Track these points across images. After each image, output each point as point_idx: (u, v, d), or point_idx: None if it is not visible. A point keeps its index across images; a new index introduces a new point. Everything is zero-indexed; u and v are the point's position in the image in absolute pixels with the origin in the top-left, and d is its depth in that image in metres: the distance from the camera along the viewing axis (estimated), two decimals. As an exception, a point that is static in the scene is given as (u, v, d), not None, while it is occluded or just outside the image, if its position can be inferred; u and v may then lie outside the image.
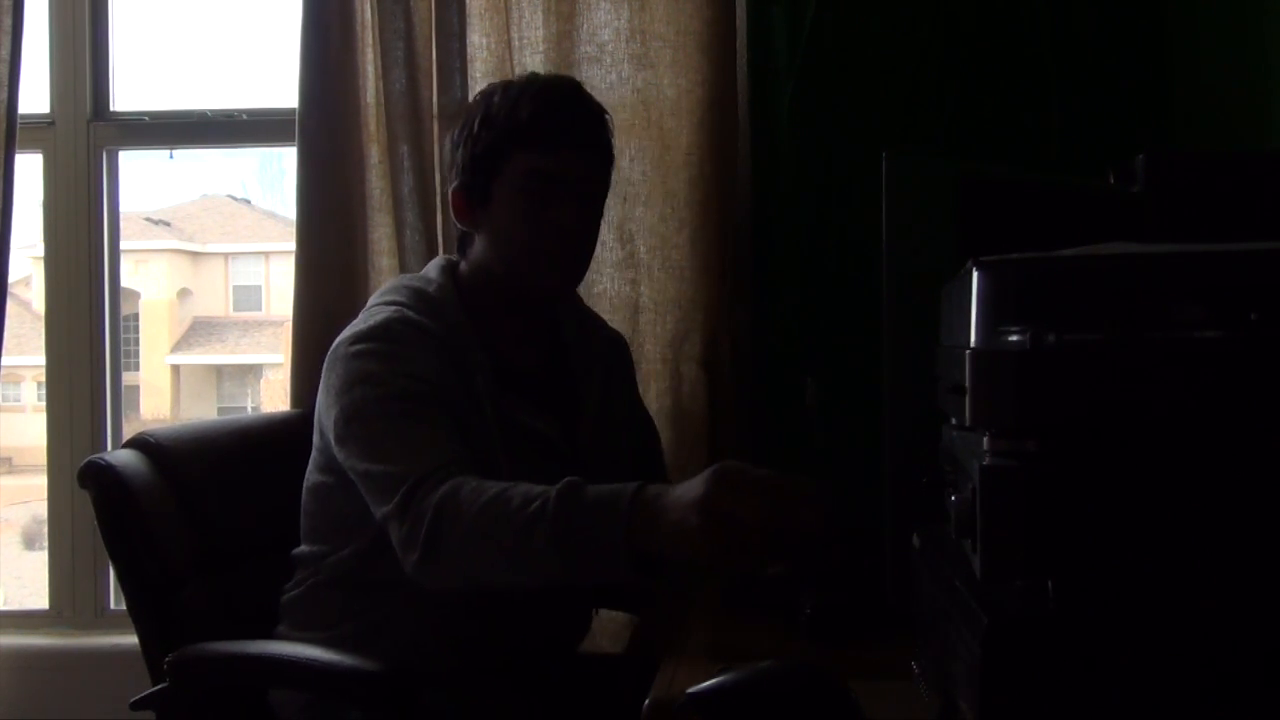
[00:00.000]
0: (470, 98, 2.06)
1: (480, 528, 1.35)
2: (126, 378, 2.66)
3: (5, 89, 2.28)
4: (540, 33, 2.17)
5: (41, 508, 2.57)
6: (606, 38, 2.17)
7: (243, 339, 9.14)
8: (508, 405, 1.60)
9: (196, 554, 1.71)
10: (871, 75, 2.16)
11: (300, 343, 2.18)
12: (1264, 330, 0.78)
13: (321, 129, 2.20)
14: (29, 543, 6.02)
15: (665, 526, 1.24)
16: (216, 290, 9.37)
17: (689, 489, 1.23)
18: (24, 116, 2.34)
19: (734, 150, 2.17)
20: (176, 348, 8.96)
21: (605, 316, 2.12)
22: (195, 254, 9.31)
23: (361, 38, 2.23)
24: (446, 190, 1.84)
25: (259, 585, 1.72)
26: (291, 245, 2.22)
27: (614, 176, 2.16)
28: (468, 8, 2.19)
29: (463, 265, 1.71)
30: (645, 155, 2.17)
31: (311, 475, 1.68)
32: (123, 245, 2.58)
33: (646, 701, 1.20)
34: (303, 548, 1.69)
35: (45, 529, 2.52)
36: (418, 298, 1.63)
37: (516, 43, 2.18)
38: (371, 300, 1.70)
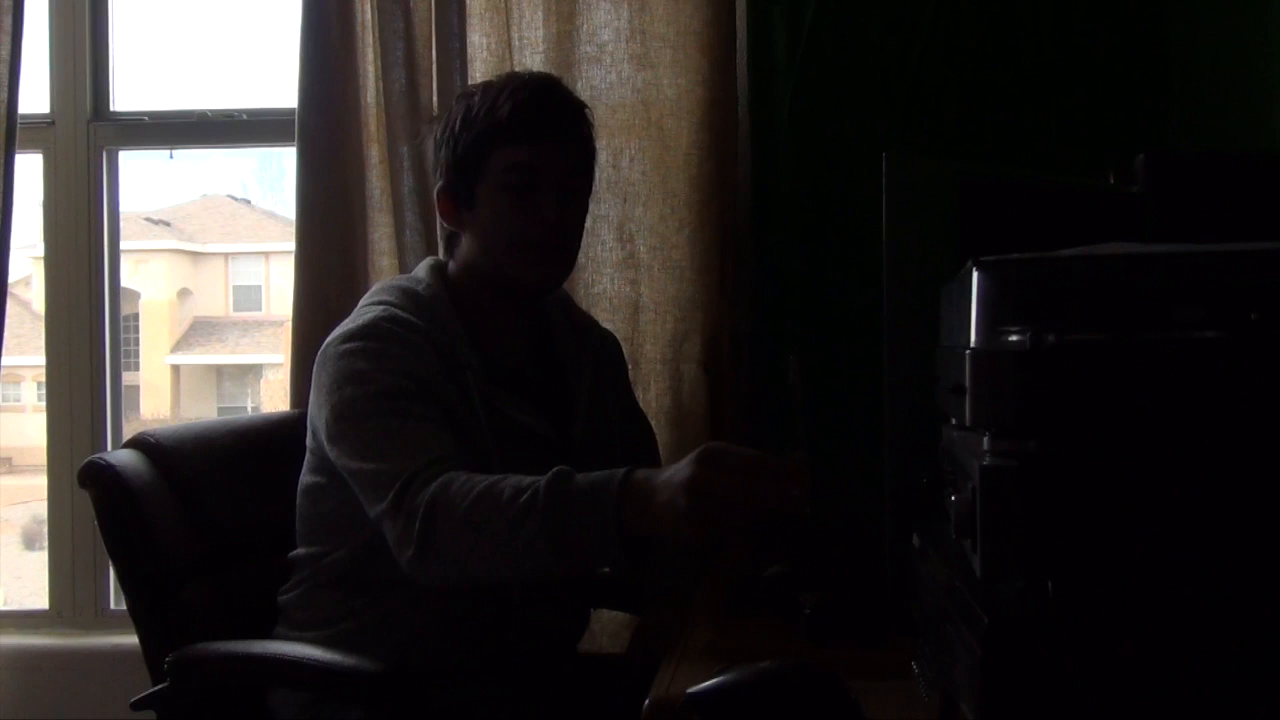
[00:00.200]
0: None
1: (472, 521, 1.36)
2: (126, 378, 2.66)
3: (5, 89, 2.28)
4: (540, 33, 2.18)
5: (41, 508, 2.57)
6: (606, 38, 2.17)
7: (243, 339, 9.13)
8: (498, 401, 1.61)
9: (196, 554, 1.71)
10: (871, 75, 2.16)
11: (300, 343, 2.18)
12: (1264, 330, 0.78)
13: (321, 129, 2.20)
14: (29, 543, 6.01)
15: (655, 509, 1.26)
16: (216, 290, 9.36)
17: (677, 471, 1.25)
18: (24, 116, 2.34)
19: (734, 150, 2.17)
20: (176, 348, 8.95)
21: (605, 316, 2.12)
22: (195, 254, 9.29)
23: (361, 38, 2.23)
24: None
25: (259, 585, 1.72)
26: (291, 245, 2.22)
27: (614, 176, 2.16)
28: (468, 8, 2.19)
29: (451, 265, 1.73)
30: (645, 155, 2.17)
31: (305, 476, 1.68)
32: (123, 245, 2.59)
33: (646, 701, 1.20)
34: (299, 550, 1.69)
35: (45, 529, 2.52)
36: (406, 297, 1.64)
37: (516, 43, 2.18)
38: (362, 301, 1.70)
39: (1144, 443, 0.80)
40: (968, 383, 0.83)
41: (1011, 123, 2.13)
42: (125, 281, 2.69)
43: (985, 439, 0.82)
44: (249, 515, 1.80)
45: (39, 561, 2.71)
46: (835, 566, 1.53)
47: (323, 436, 1.57)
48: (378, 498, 1.45)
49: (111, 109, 2.51)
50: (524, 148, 1.62)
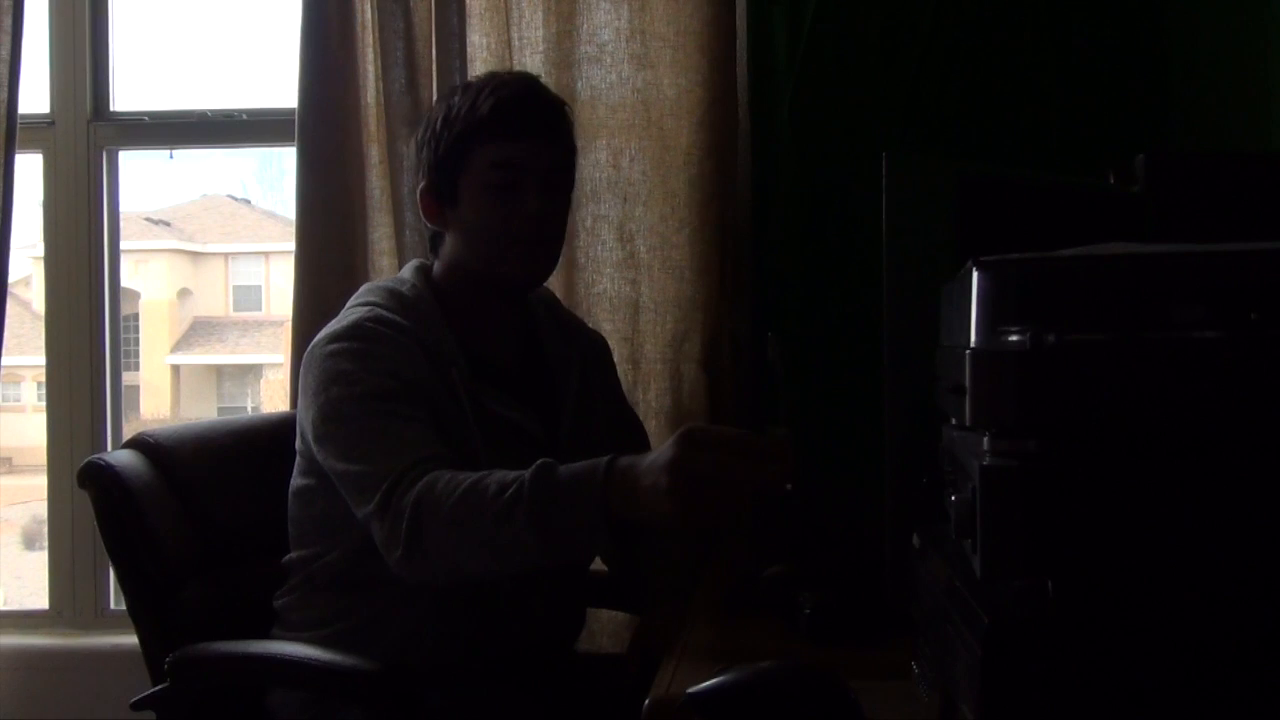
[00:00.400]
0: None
1: (459, 517, 1.36)
2: (126, 378, 2.66)
3: (5, 89, 2.28)
4: (540, 33, 2.18)
5: (41, 508, 2.57)
6: (606, 38, 2.17)
7: (243, 339, 9.14)
8: (485, 398, 1.61)
9: (196, 554, 1.72)
10: (871, 75, 2.16)
11: (300, 343, 2.17)
12: (1264, 330, 0.78)
13: (321, 129, 2.20)
14: (29, 543, 6.02)
15: (640, 493, 1.26)
16: (216, 290, 9.36)
17: (659, 454, 1.26)
18: (24, 116, 2.34)
19: (734, 150, 2.17)
20: (176, 348, 8.95)
21: (605, 316, 2.12)
22: (195, 254, 9.30)
23: (361, 38, 2.23)
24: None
25: (259, 585, 1.72)
26: (291, 245, 2.23)
27: (614, 176, 2.16)
28: (468, 8, 2.19)
29: (436, 265, 1.73)
30: (645, 155, 2.17)
31: (295, 479, 1.68)
32: (123, 245, 2.59)
33: (646, 701, 1.20)
34: (292, 554, 1.69)
35: (45, 529, 2.52)
36: (391, 297, 1.65)
37: (516, 43, 2.18)
38: (348, 303, 1.71)
39: (1144, 443, 0.80)
40: (968, 383, 0.83)
41: (1011, 123, 2.13)
42: (125, 281, 2.69)
43: (985, 439, 0.82)
44: (249, 515, 1.80)
45: (39, 561, 2.72)
46: (835, 566, 1.53)
47: (310, 438, 1.57)
48: (365, 499, 1.45)
49: (111, 109, 2.51)
50: (507, 144, 1.62)
